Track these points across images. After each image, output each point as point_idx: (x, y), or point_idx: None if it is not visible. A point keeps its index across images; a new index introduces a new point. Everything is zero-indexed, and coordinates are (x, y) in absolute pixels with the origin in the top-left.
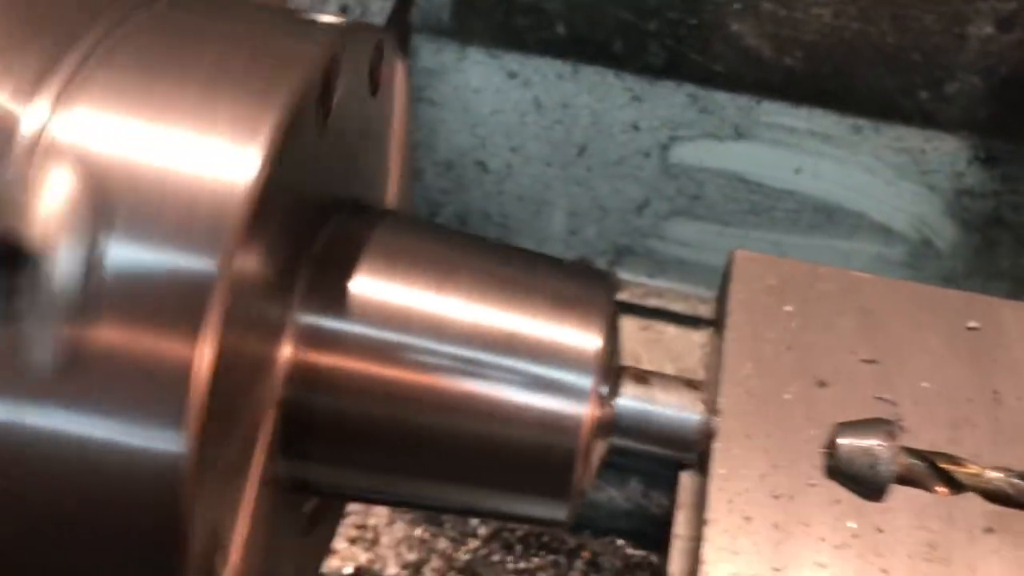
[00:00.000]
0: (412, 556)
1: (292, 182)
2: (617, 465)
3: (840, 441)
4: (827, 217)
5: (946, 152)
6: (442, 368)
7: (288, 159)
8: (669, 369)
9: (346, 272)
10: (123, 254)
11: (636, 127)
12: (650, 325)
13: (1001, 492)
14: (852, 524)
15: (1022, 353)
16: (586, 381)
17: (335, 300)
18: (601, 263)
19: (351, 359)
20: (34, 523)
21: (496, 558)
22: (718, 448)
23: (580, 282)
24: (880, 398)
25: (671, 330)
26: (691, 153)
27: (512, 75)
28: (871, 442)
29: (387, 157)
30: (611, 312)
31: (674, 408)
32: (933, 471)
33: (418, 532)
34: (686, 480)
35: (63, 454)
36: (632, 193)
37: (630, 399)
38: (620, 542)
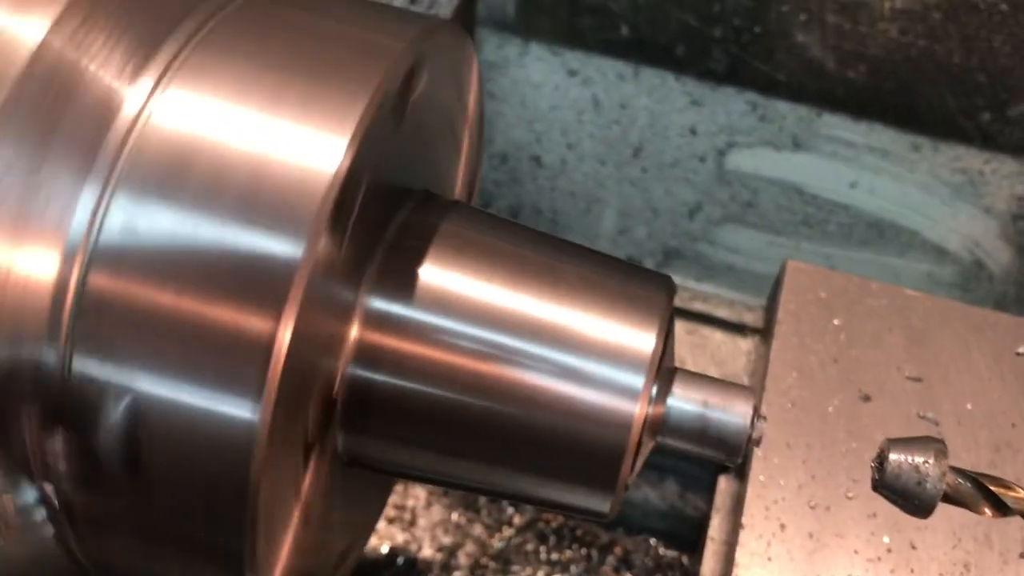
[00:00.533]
0: (447, 540)
1: (371, 171)
2: (655, 465)
3: (891, 456)
4: (880, 233)
5: (1005, 175)
6: (499, 357)
7: (369, 149)
8: (714, 374)
9: (414, 260)
10: (213, 231)
11: (693, 131)
12: (696, 329)
13: None
14: (886, 539)
15: None
16: (639, 380)
17: (402, 286)
18: (649, 265)
19: (413, 342)
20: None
21: (529, 547)
22: (758, 456)
23: (640, 283)
24: (923, 416)
25: (717, 336)
26: (747, 160)
27: (573, 73)
28: (920, 459)
29: (460, 150)
30: (668, 314)
31: (723, 411)
32: (980, 492)
33: (455, 516)
34: (724, 485)
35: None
36: (685, 196)
37: (680, 400)
38: (653, 541)
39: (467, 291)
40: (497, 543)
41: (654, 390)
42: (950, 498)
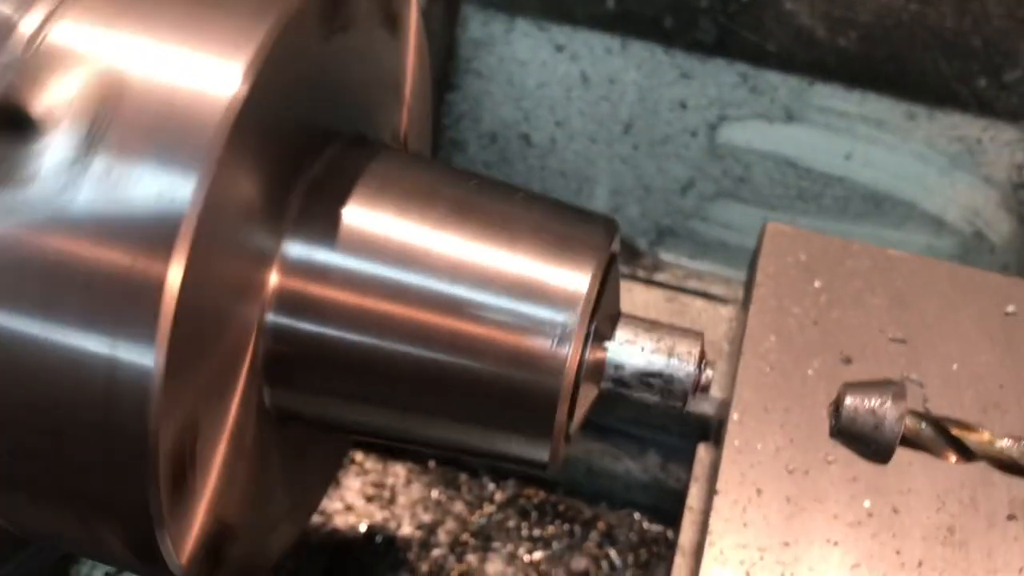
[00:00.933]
0: (427, 517)
1: (284, 104)
2: (635, 437)
3: (847, 400)
4: (876, 206)
5: (1004, 142)
6: (428, 302)
7: (278, 78)
8: None
9: (338, 201)
10: (104, 164)
11: (684, 105)
12: (675, 297)
13: (1013, 462)
14: (867, 503)
15: None
16: (573, 322)
17: (325, 229)
18: (642, 243)
19: (337, 289)
20: (19, 431)
21: (511, 524)
22: (733, 420)
23: (578, 224)
24: (907, 378)
25: (698, 303)
26: (739, 134)
27: (560, 48)
28: (877, 402)
29: (401, 96)
30: (605, 254)
31: (668, 356)
32: (942, 436)
33: (435, 494)
34: (703, 453)
35: (48, 363)
36: (677, 173)
37: (623, 344)
38: (636, 515)
39: (394, 234)
40: (478, 520)
41: (591, 333)
42: (910, 442)
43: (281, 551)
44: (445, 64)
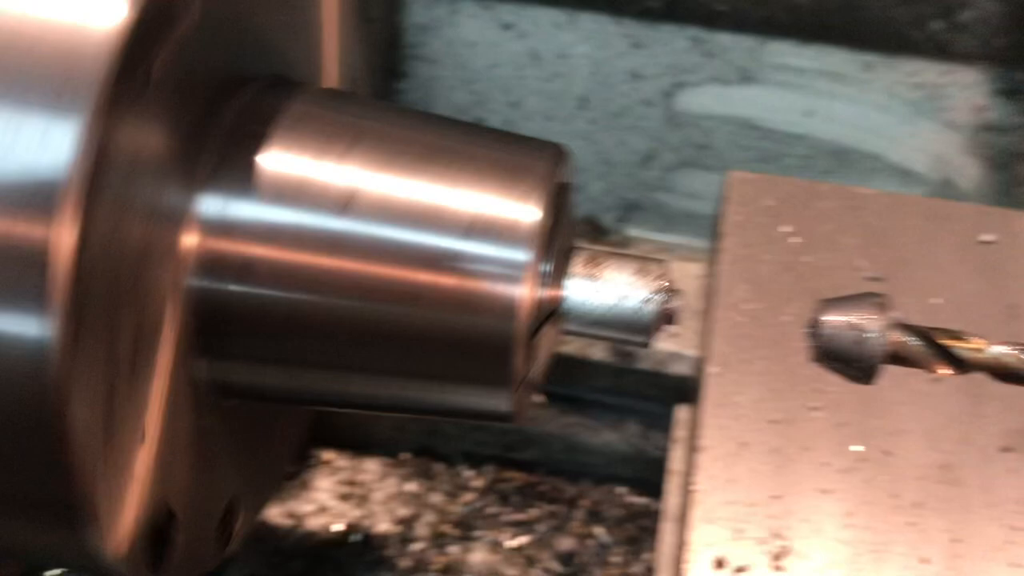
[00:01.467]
0: (404, 511)
1: (182, 46)
2: (612, 407)
3: (824, 318)
4: (841, 161)
5: (965, 85)
6: (362, 249)
7: (172, 9)
8: None
9: (256, 147)
10: None
11: (638, 75)
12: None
13: (1010, 368)
14: (858, 447)
15: None
16: (523, 257)
17: (244, 178)
18: (609, 219)
19: (263, 244)
20: None
21: (492, 510)
22: (711, 373)
23: (522, 152)
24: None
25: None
26: (697, 100)
27: (507, 27)
28: (858, 315)
29: (317, 37)
30: (553, 184)
31: (630, 288)
32: (931, 348)
33: (410, 487)
34: (681, 415)
35: None
36: (637, 145)
37: (581, 279)
38: (620, 489)
39: (321, 176)
40: (457, 509)
41: (545, 269)
42: (897, 358)
43: (237, 537)
44: (390, 52)
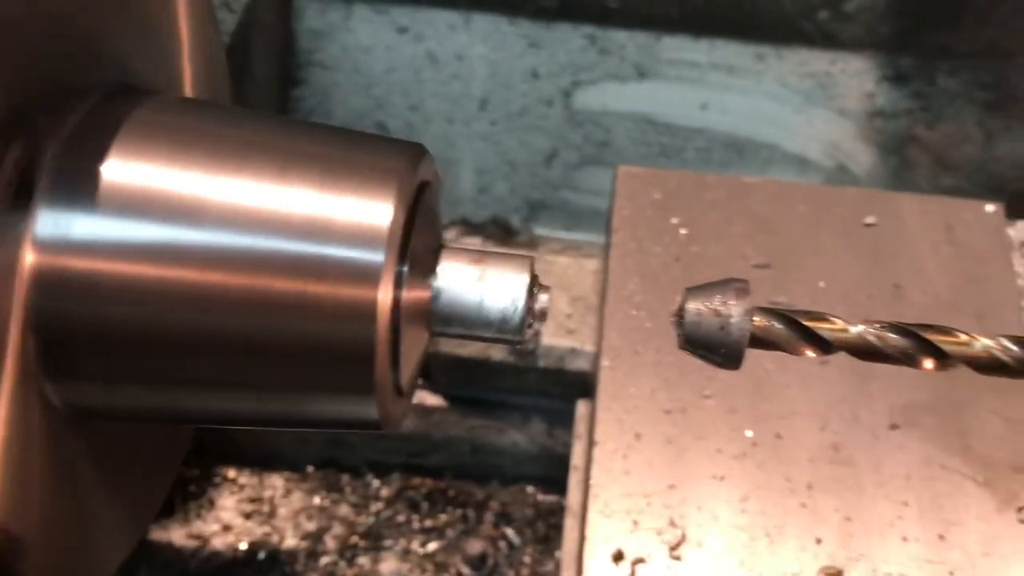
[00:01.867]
0: (311, 525)
1: (6, 46)
2: (515, 406)
3: (688, 305)
4: (739, 152)
5: (853, 73)
6: (209, 259)
7: None
8: (562, 298)
9: (95, 159)
10: None
11: (536, 75)
12: (540, 256)
13: (869, 346)
14: (750, 433)
15: (923, 246)
16: (378, 259)
17: (82, 193)
18: (516, 220)
19: (104, 260)
20: None
21: (401, 519)
22: (604, 366)
23: (379, 153)
24: (775, 303)
25: (562, 259)
26: (594, 98)
27: (403, 30)
28: (720, 302)
29: (168, 44)
30: (409, 180)
31: (496, 286)
32: (794, 331)
33: (317, 500)
34: (582, 409)
35: None
36: (539, 144)
37: (446, 280)
38: (530, 489)
39: (165, 186)
40: (366, 520)
41: (403, 270)
42: (762, 341)
43: (112, 568)
44: (285, 59)
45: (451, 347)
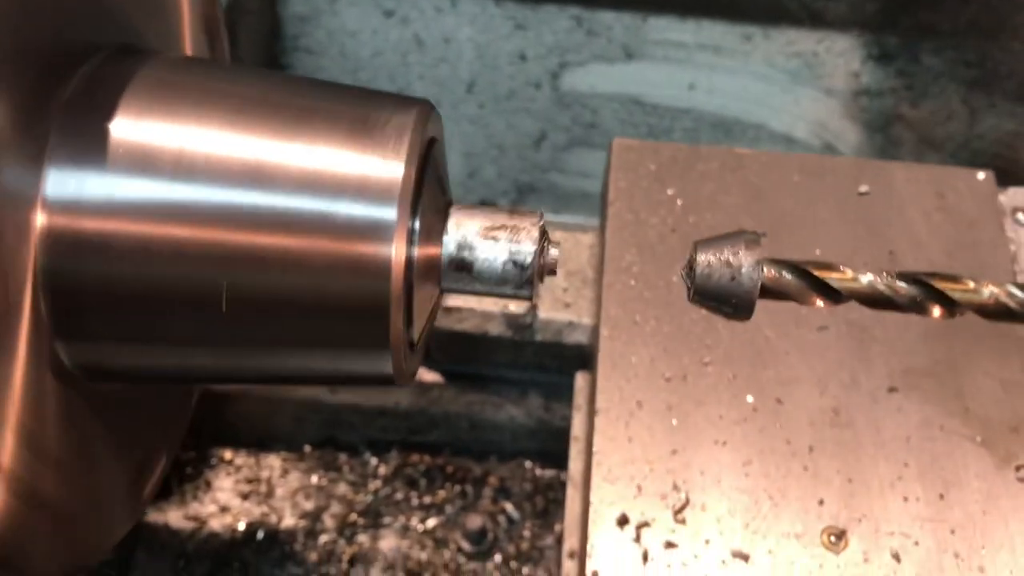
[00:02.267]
0: (310, 505)
1: (13, 11)
2: (512, 381)
3: (699, 257)
4: (726, 132)
5: (839, 52)
6: (220, 217)
7: None
8: (558, 273)
9: (102, 118)
10: None
11: (523, 57)
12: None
13: (881, 295)
14: (750, 398)
15: (916, 213)
16: (391, 215)
17: (90, 152)
18: (504, 203)
19: (115, 219)
20: None
21: (399, 496)
22: (604, 336)
23: (384, 108)
24: None
25: (558, 234)
26: (582, 79)
27: (389, 13)
28: (730, 253)
29: (173, 5)
30: (419, 139)
31: (507, 243)
32: (805, 281)
33: (315, 479)
34: (581, 382)
35: None
36: (527, 127)
37: (456, 236)
38: (528, 464)
39: (174, 144)
40: (365, 498)
41: (417, 227)
42: (773, 292)
43: (119, 533)
44: (271, 44)
45: (448, 322)
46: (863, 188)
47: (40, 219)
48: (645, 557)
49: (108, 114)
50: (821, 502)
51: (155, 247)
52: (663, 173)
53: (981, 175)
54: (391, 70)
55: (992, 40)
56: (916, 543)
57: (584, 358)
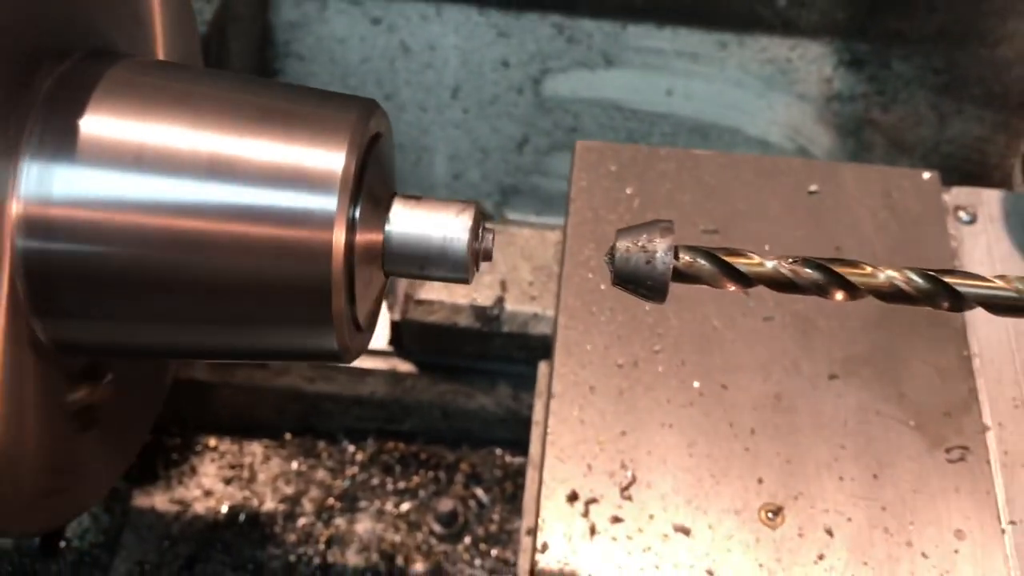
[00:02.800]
0: (290, 489)
1: None
2: (482, 371)
3: (618, 244)
4: (703, 136)
5: (811, 59)
6: (179, 206)
7: None
8: (524, 268)
9: (73, 115)
10: None
11: (506, 64)
12: (504, 229)
13: (784, 279)
14: (697, 383)
15: (863, 211)
16: (332, 204)
17: (61, 145)
18: (488, 205)
19: (83, 207)
20: None
21: (375, 481)
22: (561, 325)
23: (330, 106)
24: None
25: (525, 232)
26: (563, 85)
27: (376, 21)
28: (645, 239)
29: (145, 10)
30: (360, 130)
31: (443, 229)
32: (717, 266)
33: (295, 465)
34: (543, 369)
35: None
36: (510, 131)
37: (397, 223)
38: (498, 451)
39: (138, 138)
40: (341, 483)
41: (357, 214)
42: (687, 276)
43: (100, 492)
44: (263, 50)
45: (419, 314)
46: (813, 187)
47: (15, 208)
48: (592, 530)
49: (78, 113)
50: (760, 480)
51: (117, 234)
52: (623, 173)
53: (926, 175)
54: (379, 76)
55: (959, 48)
56: (849, 519)
57: (548, 348)
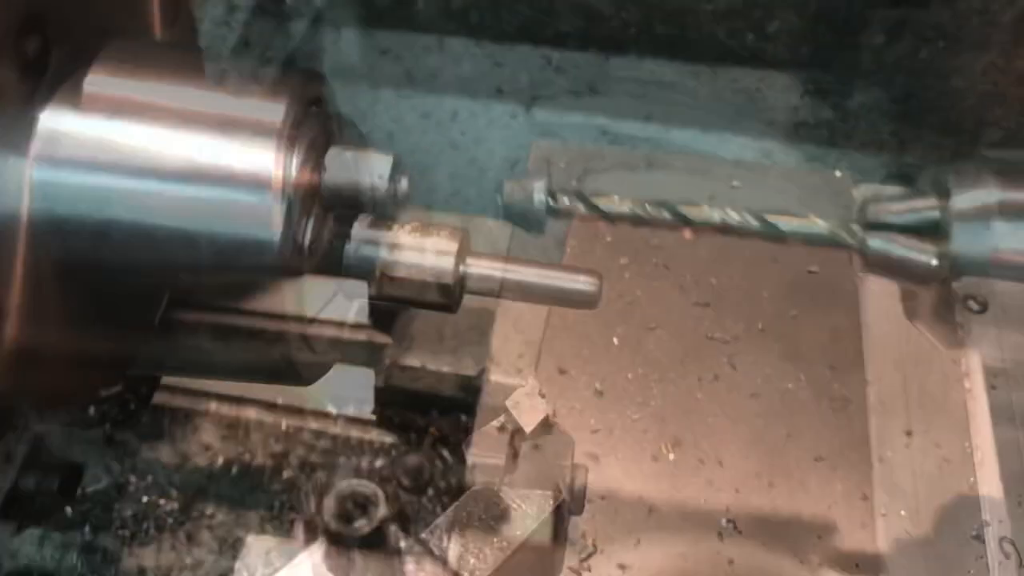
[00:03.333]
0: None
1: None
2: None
3: (504, 187)
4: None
5: (779, 88)
6: (140, 165)
7: None
8: (515, 340)
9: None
10: None
11: (500, 90)
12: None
13: (637, 216)
14: (673, 457)
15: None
16: (270, 149)
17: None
18: (485, 220)
19: (80, 168)
20: None
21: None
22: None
23: (276, 76)
24: (710, 337)
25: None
26: (552, 111)
27: (385, 51)
28: (528, 181)
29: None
30: (301, 89)
31: (366, 167)
32: (584, 203)
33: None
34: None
35: None
36: (504, 152)
37: (329, 165)
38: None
39: (127, 102)
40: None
41: (295, 159)
42: (559, 211)
43: (96, 391)
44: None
45: (403, 382)
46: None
47: (32, 160)
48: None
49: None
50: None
51: (101, 192)
52: (618, 243)
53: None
54: (385, 101)
55: (916, 79)
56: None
57: None
